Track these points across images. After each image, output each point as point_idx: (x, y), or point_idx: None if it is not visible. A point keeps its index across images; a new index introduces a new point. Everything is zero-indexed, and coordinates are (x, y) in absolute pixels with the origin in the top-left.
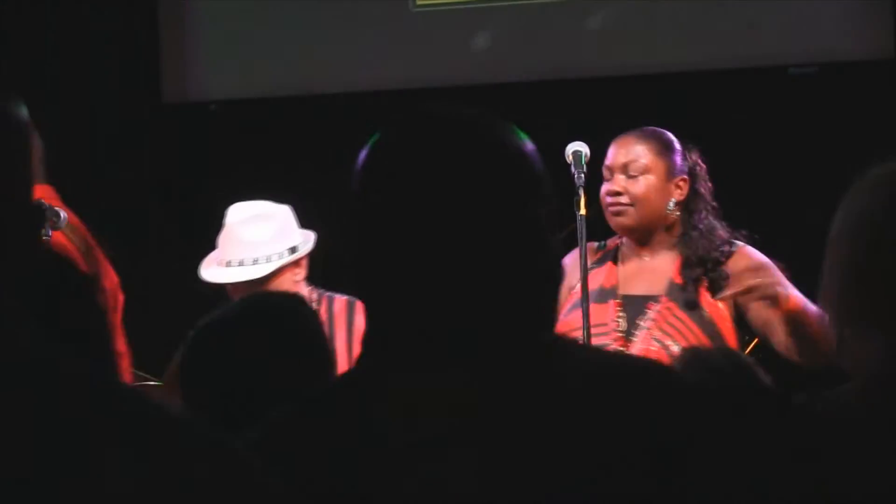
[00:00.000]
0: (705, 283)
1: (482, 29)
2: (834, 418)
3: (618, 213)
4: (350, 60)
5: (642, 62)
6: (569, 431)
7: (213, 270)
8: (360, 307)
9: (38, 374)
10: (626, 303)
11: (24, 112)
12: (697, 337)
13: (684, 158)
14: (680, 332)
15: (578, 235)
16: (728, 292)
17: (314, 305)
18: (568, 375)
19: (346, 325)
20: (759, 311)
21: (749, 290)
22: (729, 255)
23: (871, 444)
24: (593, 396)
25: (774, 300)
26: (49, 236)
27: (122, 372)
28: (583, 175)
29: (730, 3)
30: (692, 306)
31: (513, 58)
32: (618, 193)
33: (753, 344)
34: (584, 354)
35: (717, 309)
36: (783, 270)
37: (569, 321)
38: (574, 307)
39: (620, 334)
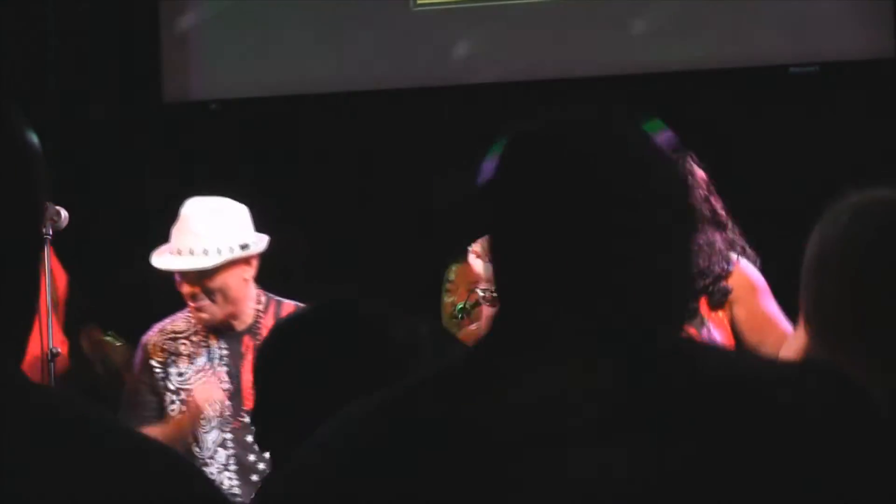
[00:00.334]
0: (705, 297)
1: (482, 29)
2: None
3: None
4: (350, 60)
5: (642, 61)
6: (716, 434)
7: (164, 258)
8: None
9: None
10: None
11: (32, 136)
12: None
13: None
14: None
15: None
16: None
17: (261, 309)
18: (709, 375)
19: None
20: (751, 335)
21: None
22: (729, 272)
23: None
24: (737, 399)
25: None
26: (50, 235)
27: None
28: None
29: (730, 2)
30: (694, 318)
31: (513, 58)
32: None
33: None
34: (722, 355)
35: (719, 319)
36: (773, 289)
37: None
38: None
39: None
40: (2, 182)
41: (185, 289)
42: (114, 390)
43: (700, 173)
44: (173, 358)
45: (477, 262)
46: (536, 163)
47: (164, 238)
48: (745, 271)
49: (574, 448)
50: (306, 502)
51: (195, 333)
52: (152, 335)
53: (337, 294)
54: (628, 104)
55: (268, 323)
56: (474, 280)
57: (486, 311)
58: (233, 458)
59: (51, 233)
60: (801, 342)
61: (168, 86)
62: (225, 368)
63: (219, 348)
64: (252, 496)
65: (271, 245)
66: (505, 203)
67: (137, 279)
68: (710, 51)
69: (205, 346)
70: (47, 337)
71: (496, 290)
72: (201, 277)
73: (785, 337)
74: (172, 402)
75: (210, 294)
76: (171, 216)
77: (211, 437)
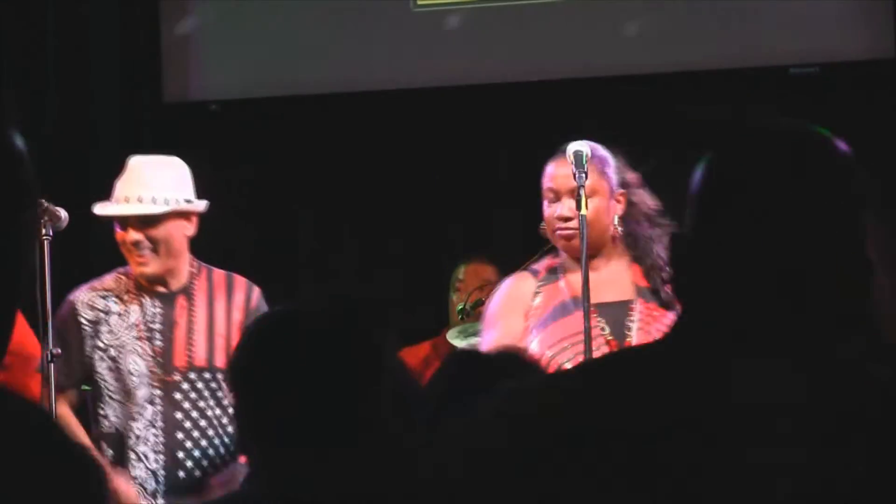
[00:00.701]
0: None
1: (483, 29)
2: None
3: (569, 238)
4: (351, 60)
5: (642, 62)
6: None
7: (108, 207)
8: (238, 281)
9: None
10: (601, 310)
11: (19, 144)
12: None
13: (616, 171)
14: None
15: (580, 235)
16: None
17: (194, 272)
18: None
19: (225, 296)
20: None
21: None
22: None
23: None
24: None
25: None
26: (50, 237)
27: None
28: (584, 175)
29: (731, 3)
30: (669, 305)
31: (513, 58)
32: (568, 219)
33: None
34: None
35: None
36: None
37: (549, 335)
38: (544, 322)
39: (610, 338)
40: None
41: (130, 236)
42: None
43: (632, 174)
44: (104, 315)
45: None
46: (751, 169)
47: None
48: None
49: (782, 451)
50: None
51: (126, 292)
52: (81, 293)
53: (323, 294)
54: (628, 104)
55: (201, 286)
56: (486, 279)
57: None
58: (160, 414)
59: (51, 233)
60: None
61: (168, 86)
62: (158, 326)
63: (152, 306)
64: (177, 452)
65: (273, 243)
66: (718, 207)
67: None
68: (711, 51)
69: (137, 304)
70: (47, 337)
71: (685, 290)
72: (146, 226)
73: None
74: (101, 359)
75: (154, 243)
76: None
77: (140, 393)
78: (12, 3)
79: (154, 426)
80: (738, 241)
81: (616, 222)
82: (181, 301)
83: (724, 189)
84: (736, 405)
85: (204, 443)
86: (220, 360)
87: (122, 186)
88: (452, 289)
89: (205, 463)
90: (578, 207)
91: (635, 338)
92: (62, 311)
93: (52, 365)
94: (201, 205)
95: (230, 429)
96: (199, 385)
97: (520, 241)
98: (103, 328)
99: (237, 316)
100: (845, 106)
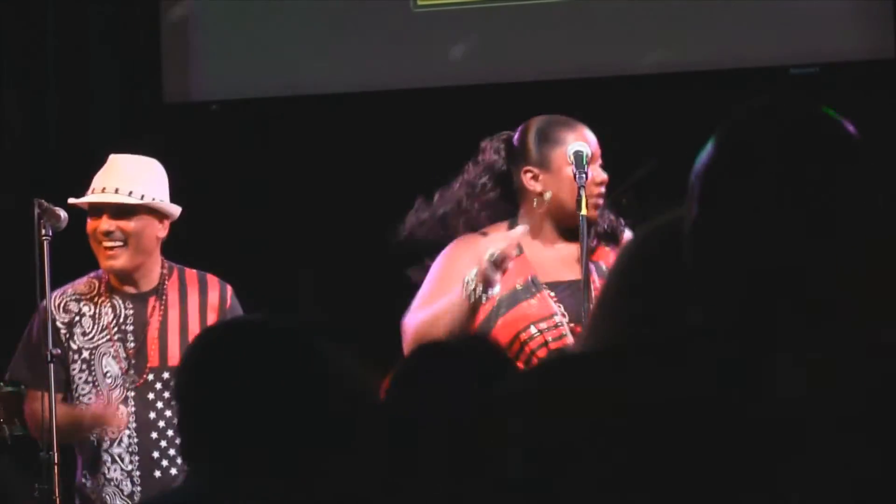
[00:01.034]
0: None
1: (483, 29)
2: None
3: (598, 206)
4: (351, 61)
5: (643, 62)
6: None
7: (83, 197)
8: (211, 280)
9: None
10: (560, 290)
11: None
12: None
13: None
14: None
15: (580, 235)
16: None
17: (165, 273)
18: None
19: (198, 294)
20: None
21: None
22: (621, 230)
23: None
24: None
25: None
26: (50, 237)
27: None
28: (584, 175)
29: (730, 3)
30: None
31: (514, 58)
32: (605, 184)
33: None
34: None
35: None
36: None
37: (518, 316)
38: (511, 301)
39: (572, 324)
40: None
41: (102, 226)
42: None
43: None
44: (77, 318)
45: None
46: (761, 150)
47: (167, 237)
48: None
49: (818, 445)
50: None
51: (98, 295)
52: (54, 297)
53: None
54: (629, 104)
55: (173, 286)
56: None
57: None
58: (133, 414)
59: (50, 233)
60: None
61: (168, 86)
62: (130, 327)
63: (124, 307)
64: (151, 452)
65: (272, 243)
66: (724, 188)
67: None
68: (711, 52)
69: (110, 307)
70: (47, 338)
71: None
72: (120, 216)
73: None
74: (74, 361)
75: (125, 236)
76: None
77: (115, 395)
78: (12, 3)
79: (128, 427)
80: (744, 224)
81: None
82: (153, 301)
83: (732, 170)
84: (756, 398)
85: (178, 442)
86: None
87: (99, 178)
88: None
89: (179, 462)
90: (578, 208)
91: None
92: (36, 322)
93: (52, 365)
94: (176, 209)
95: None
96: (173, 384)
97: None
98: (76, 330)
99: (212, 315)
100: (846, 106)
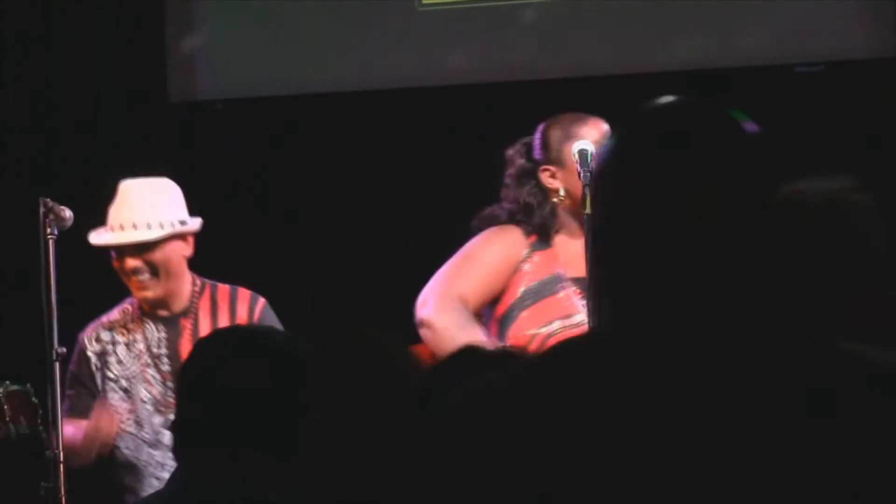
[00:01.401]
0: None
1: (488, 29)
2: None
3: None
4: (356, 60)
5: (648, 61)
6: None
7: (105, 236)
8: (242, 295)
9: None
10: (585, 285)
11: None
12: None
13: None
14: None
15: (586, 234)
16: None
17: (196, 290)
18: (860, 374)
19: (228, 310)
20: None
21: None
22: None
23: None
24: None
25: None
26: (55, 236)
27: None
28: (589, 174)
29: (735, 1)
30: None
31: (519, 57)
32: None
33: None
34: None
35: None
36: None
37: (541, 312)
38: (536, 294)
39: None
40: None
41: (129, 264)
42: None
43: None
44: (111, 347)
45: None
46: (654, 150)
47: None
48: None
49: (731, 440)
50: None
51: (132, 321)
52: (88, 329)
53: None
54: (633, 103)
55: (204, 305)
56: None
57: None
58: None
59: (56, 233)
60: None
61: (173, 86)
62: (164, 350)
63: (157, 331)
64: None
65: (278, 242)
66: (621, 188)
67: None
68: (715, 50)
69: (141, 333)
70: (52, 337)
71: (609, 280)
72: (144, 251)
73: None
74: (113, 390)
75: (153, 268)
76: None
77: (156, 420)
78: (18, 3)
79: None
80: (638, 224)
81: None
82: (184, 323)
83: (627, 169)
84: (677, 394)
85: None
86: None
87: (115, 213)
88: None
89: None
90: (584, 206)
91: None
92: (74, 358)
93: (57, 364)
94: (196, 224)
95: None
96: None
97: None
98: (111, 359)
99: None
100: (851, 104)
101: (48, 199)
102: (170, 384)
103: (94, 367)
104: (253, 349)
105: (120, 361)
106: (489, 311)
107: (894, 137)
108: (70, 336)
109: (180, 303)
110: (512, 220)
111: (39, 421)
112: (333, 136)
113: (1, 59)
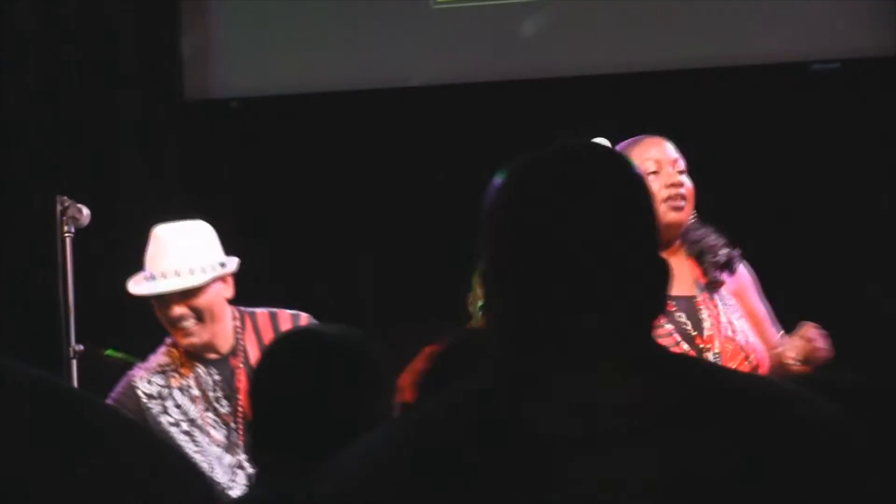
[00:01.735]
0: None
1: (502, 26)
2: None
3: (677, 208)
4: (370, 58)
5: (666, 59)
6: (736, 441)
7: (146, 285)
8: (283, 318)
9: None
10: (676, 302)
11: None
12: (743, 325)
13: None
14: (734, 324)
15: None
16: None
17: (238, 325)
18: (722, 383)
19: (272, 336)
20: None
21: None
22: (739, 260)
23: None
24: (754, 407)
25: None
26: (72, 234)
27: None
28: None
29: None
30: (726, 300)
31: (534, 56)
32: (679, 185)
33: None
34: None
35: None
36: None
37: None
38: None
39: (694, 333)
40: None
41: (174, 312)
42: None
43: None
44: (167, 391)
45: None
46: (555, 179)
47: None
48: (744, 267)
49: (607, 450)
50: None
51: (181, 365)
52: (137, 371)
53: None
54: (650, 101)
55: (249, 338)
56: None
57: None
58: (252, 476)
59: (73, 230)
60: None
61: (189, 84)
62: (220, 393)
63: (208, 374)
64: None
65: (293, 240)
66: (520, 215)
67: None
68: (732, 48)
69: (194, 376)
70: (69, 335)
71: (497, 300)
72: (188, 297)
73: (768, 338)
74: (178, 434)
75: (198, 314)
76: (192, 214)
77: (226, 461)
78: (34, 2)
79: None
80: (527, 260)
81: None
82: (235, 362)
83: (514, 208)
84: (562, 410)
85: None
86: None
87: (153, 261)
88: (472, 287)
89: None
90: None
91: (708, 333)
92: (118, 389)
93: (74, 362)
94: (234, 264)
95: None
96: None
97: None
98: (169, 403)
99: None
100: (867, 102)
101: (65, 198)
102: (232, 426)
103: (142, 406)
104: (325, 350)
105: (178, 406)
106: None
107: None
108: (85, 334)
109: (226, 343)
110: None
111: None
112: (347, 134)
113: (17, 57)
